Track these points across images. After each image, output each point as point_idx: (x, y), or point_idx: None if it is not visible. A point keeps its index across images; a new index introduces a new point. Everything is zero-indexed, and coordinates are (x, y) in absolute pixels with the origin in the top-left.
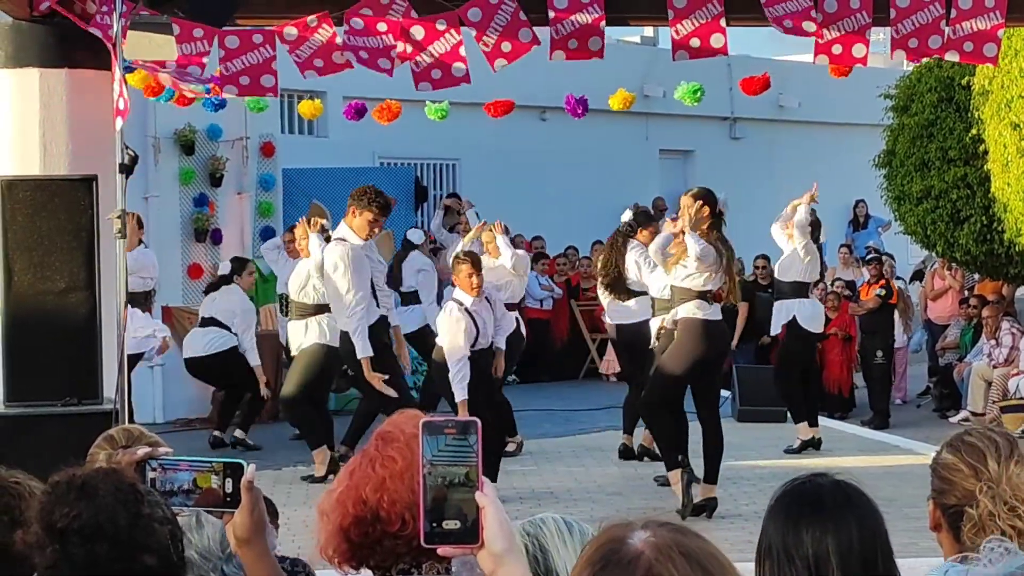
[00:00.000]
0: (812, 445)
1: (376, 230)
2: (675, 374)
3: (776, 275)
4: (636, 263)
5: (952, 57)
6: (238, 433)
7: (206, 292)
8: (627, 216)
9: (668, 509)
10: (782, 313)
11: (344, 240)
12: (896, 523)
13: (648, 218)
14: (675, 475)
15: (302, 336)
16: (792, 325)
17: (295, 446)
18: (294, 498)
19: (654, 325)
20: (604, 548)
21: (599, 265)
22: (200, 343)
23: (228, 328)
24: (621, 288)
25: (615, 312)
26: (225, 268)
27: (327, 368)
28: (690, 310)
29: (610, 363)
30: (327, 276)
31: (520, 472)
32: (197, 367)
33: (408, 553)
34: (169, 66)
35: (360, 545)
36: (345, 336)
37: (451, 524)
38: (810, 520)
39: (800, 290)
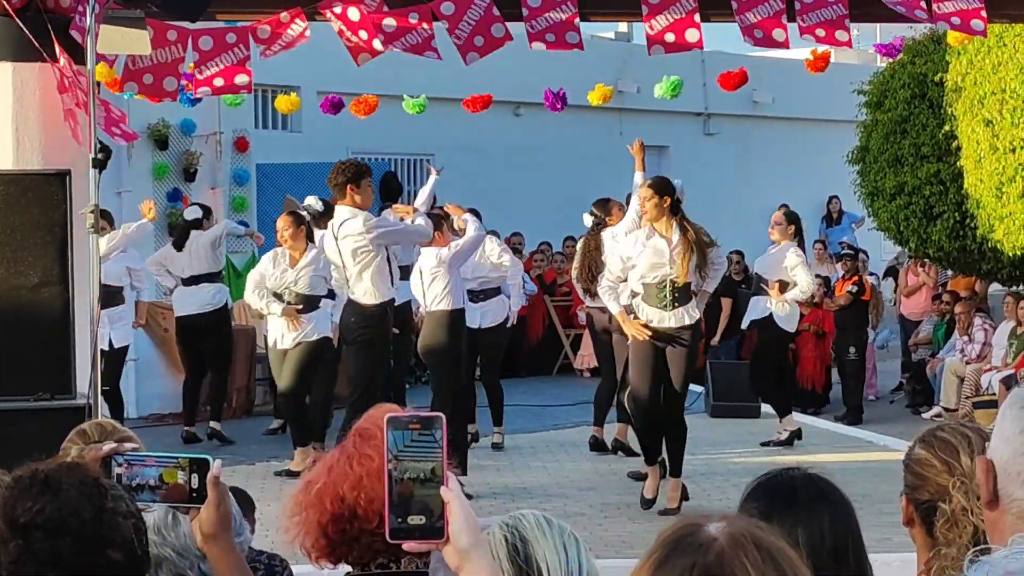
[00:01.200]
0: (797, 436)
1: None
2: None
3: (757, 270)
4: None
5: (942, 27)
6: (213, 424)
7: (175, 246)
8: (589, 220)
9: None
10: (758, 308)
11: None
12: (869, 518)
13: (605, 204)
14: (656, 470)
15: (296, 329)
16: (767, 323)
17: (268, 440)
18: (268, 493)
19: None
20: (679, 531)
21: (575, 271)
22: (196, 300)
23: (212, 280)
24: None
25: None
26: (194, 212)
27: (321, 360)
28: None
29: (585, 358)
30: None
31: (494, 467)
32: (189, 327)
33: (387, 550)
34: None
35: (338, 542)
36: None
37: (416, 519)
38: (782, 512)
39: (781, 289)
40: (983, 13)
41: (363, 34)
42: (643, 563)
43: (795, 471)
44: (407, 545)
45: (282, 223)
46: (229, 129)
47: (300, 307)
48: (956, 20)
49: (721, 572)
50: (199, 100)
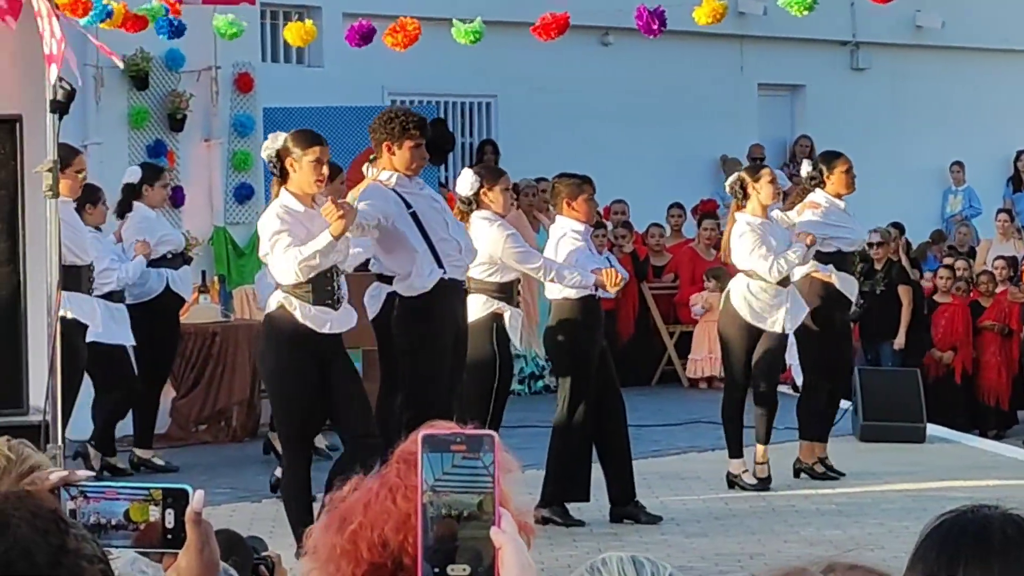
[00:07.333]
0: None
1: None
2: None
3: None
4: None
5: None
6: (140, 452)
7: (118, 215)
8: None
9: (765, 554)
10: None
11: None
12: None
13: (832, 157)
14: None
15: None
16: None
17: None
18: (277, 538)
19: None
20: None
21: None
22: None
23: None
24: None
25: None
26: (134, 175)
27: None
28: None
29: (698, 363)
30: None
31: (572, 506)
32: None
33: None
34: None
35: None
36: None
37: (459, 569)
38: (971, 558)
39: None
40: None
41: None
42: None
43: (989, 509)
44: None
45: None
46: (228, 63)
47: None
48: None
49: None
50: (181, 32)
